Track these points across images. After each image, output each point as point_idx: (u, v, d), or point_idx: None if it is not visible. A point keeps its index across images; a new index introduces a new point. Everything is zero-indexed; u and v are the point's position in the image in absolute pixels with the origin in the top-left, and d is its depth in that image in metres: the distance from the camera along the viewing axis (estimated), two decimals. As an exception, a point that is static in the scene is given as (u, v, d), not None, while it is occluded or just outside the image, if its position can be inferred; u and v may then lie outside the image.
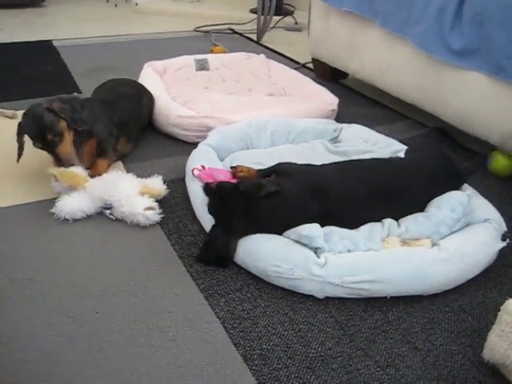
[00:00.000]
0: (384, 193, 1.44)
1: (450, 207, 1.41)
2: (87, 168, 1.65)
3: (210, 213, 1.41)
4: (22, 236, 1.47)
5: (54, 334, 1.15)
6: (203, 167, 1.57)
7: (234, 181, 1.52)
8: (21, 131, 1.64)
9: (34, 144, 1.62)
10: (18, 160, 1.67)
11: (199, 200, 1.52)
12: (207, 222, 1.46)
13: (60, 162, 1.61)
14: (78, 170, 1.59)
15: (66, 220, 1.52)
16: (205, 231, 1.49)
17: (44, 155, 1.65)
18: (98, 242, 1.46)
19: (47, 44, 3.29)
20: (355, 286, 1.26)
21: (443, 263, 1.30)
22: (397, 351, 1.16)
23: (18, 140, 1.65)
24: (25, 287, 1.28)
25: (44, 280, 1.31)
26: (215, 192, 1.39)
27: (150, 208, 1.52)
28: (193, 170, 1.58)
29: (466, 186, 1.60)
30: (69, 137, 1.62)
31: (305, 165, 1.54)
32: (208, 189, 1.40)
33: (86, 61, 2.96)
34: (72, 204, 1.53)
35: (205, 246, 1.39)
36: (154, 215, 1.53)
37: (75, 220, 1.53)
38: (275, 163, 1.59)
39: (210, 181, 1.46)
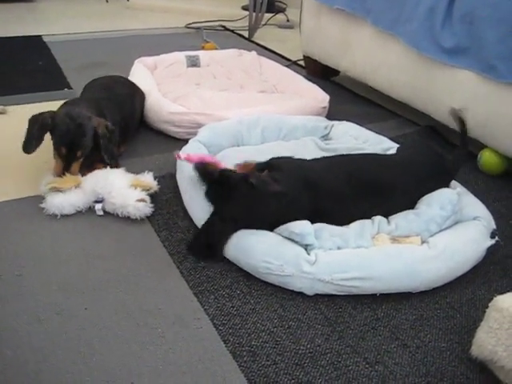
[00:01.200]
0: (373, 188, 1.44)
1: (440, 205, 1.42)
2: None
3: (208, 199, 1.40)
4: (11, 232, 1.46)
5: (43, 330, 1.15)
6: (188, 155, 1.54)
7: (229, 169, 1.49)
8: (55, 129, 1.57)
9: (56, 145, 1.58)
10: (31, 152, 1.59)
11: (189, 196, 1.52)
12: (200, 218, 1.45)
13: (65, 170, 1.58)
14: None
15: (55, 216, 1.52)
16: (195, 228, 1.49)
17: (37, 151, 1.62)
18: (87, 238, 1.45)
19: (37, 39, 3.27)
20: (345, 283, 1.26)
21: (433, 261, 1.31)
22: (386, 348, 1.16)
23: (38, 132, 1.57)
24: (13, 283, 1.28)
25: (32, 276, 1.30)
26: (218, 179, 1.37)
27: (141, 200, 1.52)
28: (178, 155, 1.56)
29: (456, 183, 1.61)
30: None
31: (296, 160, 1.54)
32: (206, 173, 1.38)
33: (77, 56, 2.94)
34: (62, 198, 1.52)
35: (199, 233, 1.39)
36: (145, 207, 1.53)
37: (65, 216, 1.52)
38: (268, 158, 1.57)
39: (200, 162, 1.43)
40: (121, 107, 1.87)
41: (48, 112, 1.60)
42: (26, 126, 1.59)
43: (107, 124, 1.65)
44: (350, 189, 1.42)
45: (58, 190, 1.54)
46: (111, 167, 1.64)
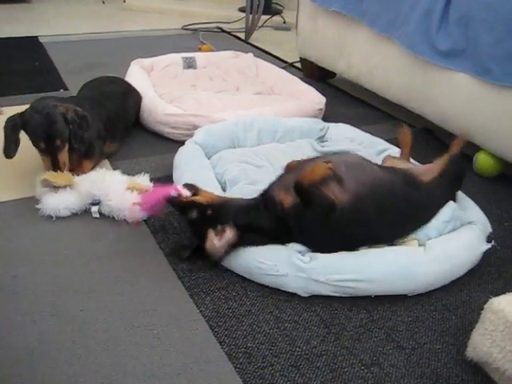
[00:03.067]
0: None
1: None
2: (70, 169, 1.62)
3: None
4: (6, 233, 1.46)
5: (38, 331, 1.14)
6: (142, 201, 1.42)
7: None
8: (25, 126, 1.57)
9: (34, 143, 1.58)
10: (13, 156, 1.59)
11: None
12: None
13: (54, 165, 1.58)
14: (66, 172, 1.58)
15: (51, 217, 1.51)
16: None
17: (30, 152, 1.63)
18: (83, 240, 1.45)
19: (34, 40, 3.27)
20: (340, 284, 1.26)
21: (429, 264, 1.31)
22: (381, 350, 1.16)
23: (12, 134, 1.58)
24: (8, 284, 1.27)
25: (27, 277, 1.30)
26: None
27: (138, 203, 1.52)
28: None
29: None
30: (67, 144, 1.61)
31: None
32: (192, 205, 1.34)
33: (73, 57, 2.94)
34: (57, 199, 1.52)
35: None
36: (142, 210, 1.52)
37: (60, 218, 1.52)
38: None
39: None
40: (107, 105, 1.86)
41: (16, 113, 1.60)
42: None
43: (76, 109, 1.64)
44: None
45: (50, 184, 1.53)
46: (90, 149, 1.67)
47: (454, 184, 1.55)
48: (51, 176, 1.54)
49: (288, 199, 1.31)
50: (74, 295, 1.25)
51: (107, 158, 1.85)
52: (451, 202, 1.47)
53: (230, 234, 1.30)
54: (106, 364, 1.08)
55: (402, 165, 1.60)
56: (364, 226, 1.33)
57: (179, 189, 1.33)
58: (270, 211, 1.33)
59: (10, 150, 1.59)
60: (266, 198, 1.37)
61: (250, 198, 1.41)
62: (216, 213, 1.32)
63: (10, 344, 1.11)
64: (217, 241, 1.30)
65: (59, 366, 1.07)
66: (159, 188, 1.38)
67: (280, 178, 1.42)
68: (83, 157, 1.69)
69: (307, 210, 1.28)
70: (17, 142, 1.59)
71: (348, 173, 1.34)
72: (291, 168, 1.49)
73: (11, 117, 1.60)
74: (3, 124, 1.60)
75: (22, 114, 1.59)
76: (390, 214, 1.36)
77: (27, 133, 1.59)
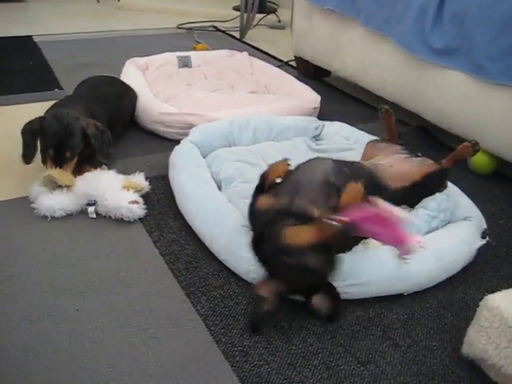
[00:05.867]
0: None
1: (422, 204, 1.46)
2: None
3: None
4: (1, 232, 1.46)
5: (34, 331, 1.14)
6: None
7: None
8: (44, 134, 1.56)
9: (44, 148, 1.58)
10: (30, 162, 1.60)
11: (184, 195, 1.52)
12: (196, 217, 1.46)
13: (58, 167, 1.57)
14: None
15: (46, 217, 1.51)
16: (188, 228, 1.48)
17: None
18: (79, 239, 1.45)
19: (28, 39, 3.25)
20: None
21: (424, 262, 1.30)
22: (377, 347, 1.17)
23: (31, 140, 1.58)
24: (4, 284, 1.27)
25: (23, 277, 1.30)
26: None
27: (134, 202, 1.52)
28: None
29: (448, 183, 1.62)
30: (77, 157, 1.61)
31: None
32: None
33: (68, 57, 2.93)
34: (53, 200, 1.51)
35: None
36: (139, 209, 1.52)
37: (56, 218, 1.52)
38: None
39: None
40: (107, 106, 1.86)
41: (35, 118, 1.60)
42: (21, 139, 1.59)
43: (96, 124, 1.64)
44: None
45: (53, 181, 1.52)
46: (107, 168, 1.65)
47: (421, 197, 1.48)
48: (56, 173, 1.53)
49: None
50: (70, 295, 1.25)
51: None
52: (437, 195, 1.47)
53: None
54: (102, 364, 1.08)
55: (383, 153, 1.53)
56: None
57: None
58: None
59: (29, 156, 1.59)
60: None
61: None
62: None
63: (6, 344, 1.11)
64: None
65: (55, 365, 1.07)
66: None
67: (297, 196, 1.23)
68: (85, 163, 1.68)
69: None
70: (35, 148, 1.59)
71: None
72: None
73: (30, 122, 1.59)
74: (20, 131, 1.59)
75: (41, 120, 1.58)
76: None
77: (42, 138, 1.58)
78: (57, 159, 1.56)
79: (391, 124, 1.67)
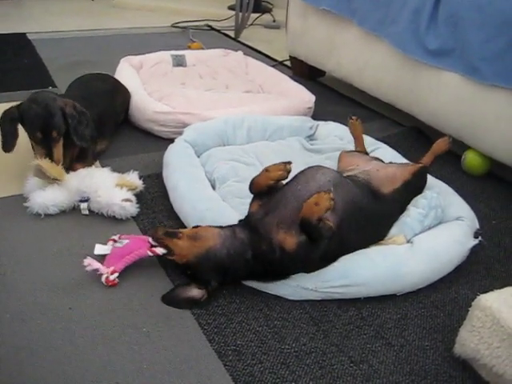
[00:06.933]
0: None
1: (413, 203, 1.46)
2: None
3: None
4: (-6, 231, 1.45)
5: (26, 330, 1.14)
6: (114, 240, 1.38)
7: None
8: (23, 117, 1.56)
9: (31, 133, 1.57)
10: (11, 150, 1.59)
11: (178, 194, 1.52)
12: (190, 216, 1.46)
13: (48, 156, 1.56)
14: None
15: (39, 215, 1.50)
16: (180, 227, 1.48)
17: (19, 149, 1.61)
18: (72, 238, 1.44)
19: (22, 37, 3.24)
20: (329, 291, 1.27)
21: (416, 263, 1.31)
22: (370, 347, 1.17)
23: (10, 127, 1.57)
24: (-4, 283, 1.27)
25: (16, 275, 1.29)
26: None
27: (127, 200, 1.51)
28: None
29: (441, 183, 1.63)
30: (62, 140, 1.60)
31: None
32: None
33: (62, 55, 2.92)
34: (45, 197, 1.51)
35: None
36: (131, 207, 1.52)
37: (49, 215, 1.51)
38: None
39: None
40: (97, 103, 1.85)
41: (12, 106, 1.59)
42: None
43: (75, 104, 1.63)
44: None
45: (41, 172, 1.51)
46: (83, 152, 1.65)
47: (412, 196, 1.50)
48: (44, 163, 1.52)
49: (290, 241, 1.19)
50: (63, 293, 1.25)
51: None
52: (427, 192, 1.48)
53: (199, 294, 1.24)
54: (95, 362, 1.08)
55: (361, 162, 1.55)
56: (343, 241, 1.29)
57: (155, 251, 1.27)
58: (260, 261, 1.22)
59: (9, 144, 1.58)
60: (257, 240, 1.23)
61: (235, 240, 1.24)
62: (194, 272, 1.24)
63: (-2, 342, 1.11)
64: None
65: (48, 364, 1.06)
66: (131, 245, 1.33)
67: (271, 212, 1.25)
68: (76, 160, 1.67)
69: (313, 245, 1.21)
70: (15, 136, 1.58)
71: (336, 193, 1.22)
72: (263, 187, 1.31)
73: (7, 109, 1.58)
74: None
75: (18, 106, 1.58)
76: (359, 226, 1.32)
77: (24, 124, 1.58)
78: (44, 141, 1.56)
79: (359, 134, 1.74)
